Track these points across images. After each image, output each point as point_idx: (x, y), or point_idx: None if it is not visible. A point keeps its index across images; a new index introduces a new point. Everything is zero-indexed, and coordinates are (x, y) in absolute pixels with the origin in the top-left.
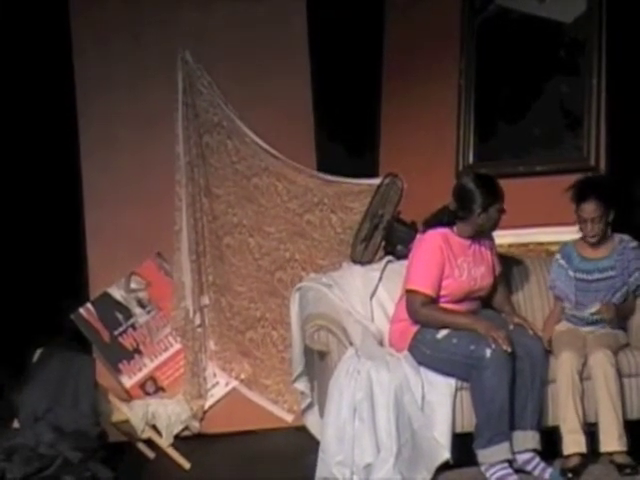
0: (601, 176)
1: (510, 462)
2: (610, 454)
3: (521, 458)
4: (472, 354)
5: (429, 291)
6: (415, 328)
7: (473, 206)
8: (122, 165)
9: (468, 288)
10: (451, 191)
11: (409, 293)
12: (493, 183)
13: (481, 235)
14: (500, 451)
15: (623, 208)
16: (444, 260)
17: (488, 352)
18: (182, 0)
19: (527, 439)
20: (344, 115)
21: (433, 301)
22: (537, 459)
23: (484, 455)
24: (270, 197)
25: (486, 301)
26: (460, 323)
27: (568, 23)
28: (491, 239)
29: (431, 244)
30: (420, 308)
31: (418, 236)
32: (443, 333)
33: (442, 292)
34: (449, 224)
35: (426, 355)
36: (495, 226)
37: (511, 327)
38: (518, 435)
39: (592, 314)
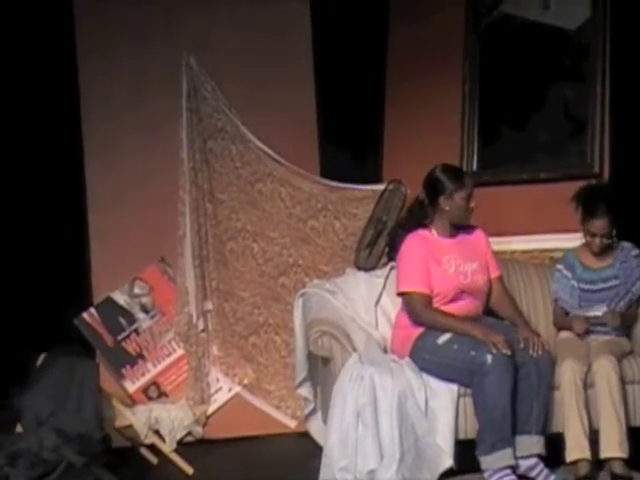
0: (606, 186)
1: (513, 468)
2: (610, 460)
3: (525, 464)
4: (473, 360)
5: (424, 289)
6: (416, 334)
7: (438, 192)
8: (126, 170)
9: (457, 283)
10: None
11: (405, 296)
12: (459, 171)
13: (457, 227)
14: (503, 457)
15: (626, 215)
16: (426, 257)
17: (489, 358)
18: (186, 5)
19: (532, 444)
20: (348, 121)
21: (430, 298)
22: (541, 465)
23: (487, 461)
24: (274, 203)
25: (493, 312)
26: (459, 328)
27: (572, 29)
28: (486, 241)
29: (409, 245)
30: (422, 310)
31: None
32: (444, 339)
33: (433, 292)
34: (422, 217)
35: (426, 361)
36: (465, 217)
37: (522, 345)
38: (523, 440)
39: (596, 317)
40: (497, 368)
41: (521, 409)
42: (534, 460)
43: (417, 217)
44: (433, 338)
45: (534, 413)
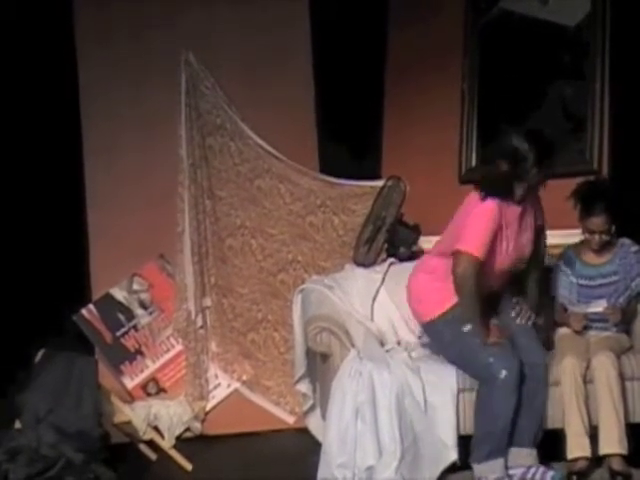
0: (605, 182)
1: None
2: (609, 456)
3: (519, 471)
4: (488, 367)
5: (481, 255)
6: (450, 303)
7: (527, 165)
8: (125, 167)
9: (510, 259)
10: (497, 152)
11: (461, 253)
12: (543, 138)
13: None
14: (495, 466)
15: (624, 212)
16: (497, 231)
17: (503, 373)
18: (186, 2)
19: (523, 456)
20: (347, 117)
21: (481, 268)
22: (533, 468)
23: (480, 469)
24: (273, 199)
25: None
26: (476, 322)
27: (571, 26)
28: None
29: (491, 214)
30: (469, 275)
31: (472, 195)
32: (469, 327)
33: (487, 263)
34: (506, 192)
35: (444, 340)
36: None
37: (513, 314)
38: (514, 451)
39: (596, 313)
40: (508, 386)
41: (515, 422)
42: (524, 468)
43: (501, 193)
44: (459, 325)
45: (526, 427)
